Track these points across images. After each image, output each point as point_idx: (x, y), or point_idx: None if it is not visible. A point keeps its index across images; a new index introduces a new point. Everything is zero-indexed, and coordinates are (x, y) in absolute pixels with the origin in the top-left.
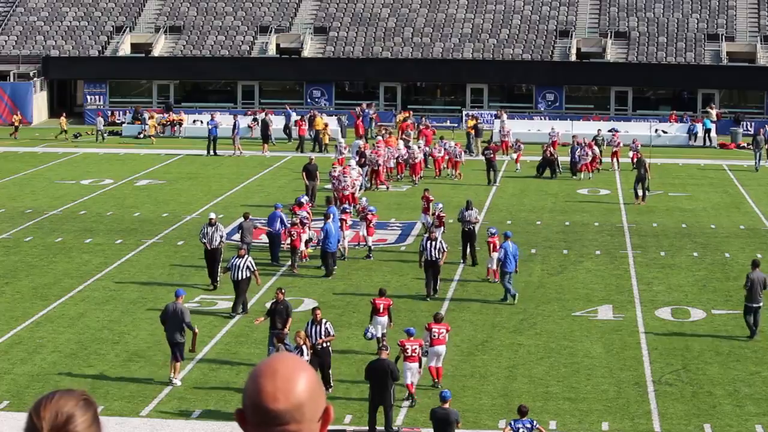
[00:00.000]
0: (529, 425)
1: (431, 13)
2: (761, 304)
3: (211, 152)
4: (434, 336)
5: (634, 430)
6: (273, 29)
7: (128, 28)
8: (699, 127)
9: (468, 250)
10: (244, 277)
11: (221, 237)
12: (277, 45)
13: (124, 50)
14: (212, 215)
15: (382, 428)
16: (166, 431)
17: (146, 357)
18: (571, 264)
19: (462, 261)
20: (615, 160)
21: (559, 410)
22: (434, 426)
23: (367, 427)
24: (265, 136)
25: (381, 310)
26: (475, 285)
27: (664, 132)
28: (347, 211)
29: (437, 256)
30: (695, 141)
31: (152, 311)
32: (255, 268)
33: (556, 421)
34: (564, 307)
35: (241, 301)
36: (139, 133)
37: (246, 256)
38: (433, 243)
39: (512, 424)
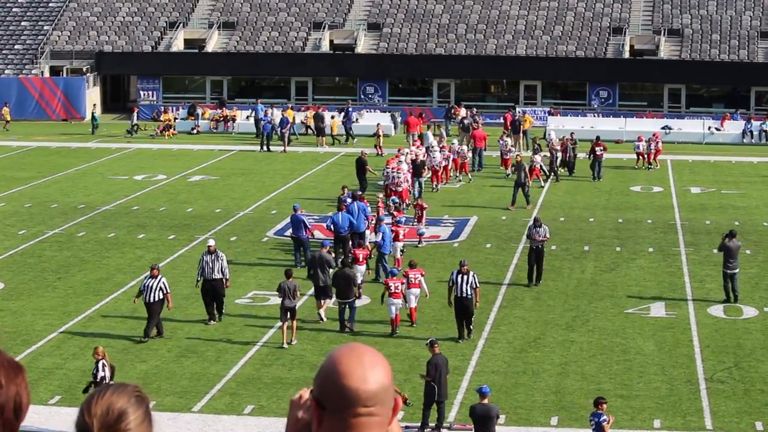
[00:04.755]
0: (596, 419)
1: (485, 9)
2: (737, 270)
3: (264, 148)
4: (411, 281)
5: (686, 428)
6: (326, 25)
7: (182, 24)
8: (754, 125)
9: (535, 270)
10: (157, 299)
11: (222, 268)
12: (331, 41)
13: (178, 46)
14: (211, 242)
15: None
16: (218, 426)
17: (198, 352)
18: (624, 261)
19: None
20: (654, 159)
21: (610, 407)
22: (475, 422)
23: (418, 424)
24: (320, 130)
25: (360, 260)
26: (527, 282)
27: (717, 129)
28: (400, 209)
29: (469, 292)
30: (751, 138)
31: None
32: (168, 290)
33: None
34: (616, 305)
35: (154, 323)
36: (193, 129)
37: (159, 276)
38: (465, 277)
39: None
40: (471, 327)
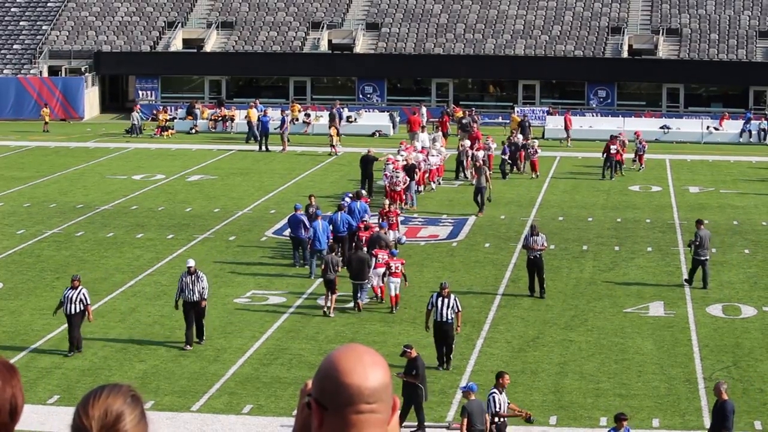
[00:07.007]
0: None
1: (483, 9)
2: (708, 257)
3: (263, 148)
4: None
5: (685, 427)
6: (325, 25)
7: (180, 24)
8: (754, 125)
9: (536, 281)
10: (77, 311)
11: (203, 289)
12: (329, 41)
13: (176, 46)
14: (191, 262)
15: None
16: (217, 426)
17: (197, 352)
18: (623, 260)
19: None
20: (638, 160)
21: (609, 407)
22: (472, 418)
23: (415, 424)
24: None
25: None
26: (525, 281)
27: (716, 129)
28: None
29: (450, 317)
30: (751, 138)
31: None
32: (88, 302)
33: (607, 417)
34: (615, 304)
35: (76, 336)
36: (191, 129)
37: (80, 287)
38: (446, 301)
39: None
40: (451, 356)
